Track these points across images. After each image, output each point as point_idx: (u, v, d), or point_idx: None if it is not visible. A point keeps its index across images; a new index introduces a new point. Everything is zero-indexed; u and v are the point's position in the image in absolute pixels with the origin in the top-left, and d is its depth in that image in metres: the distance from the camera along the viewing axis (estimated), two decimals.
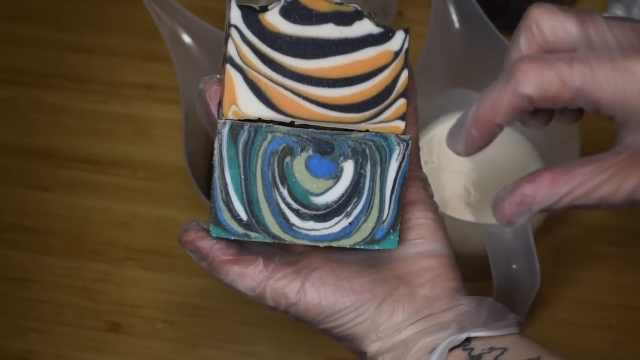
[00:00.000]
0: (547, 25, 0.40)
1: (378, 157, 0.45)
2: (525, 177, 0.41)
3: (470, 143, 0.41)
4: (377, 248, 0.46)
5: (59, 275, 0.79)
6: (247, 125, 0.43)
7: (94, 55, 0.90)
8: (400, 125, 0.45)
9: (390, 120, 0.45)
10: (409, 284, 0.46)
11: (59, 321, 0.77)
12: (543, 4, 0.40)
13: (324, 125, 0.44)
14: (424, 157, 0.77)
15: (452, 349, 0.44)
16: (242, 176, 0.44)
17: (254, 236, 0.45)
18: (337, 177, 0.45)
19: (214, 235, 0.44)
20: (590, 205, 0.40)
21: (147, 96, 0.88)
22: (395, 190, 0.45)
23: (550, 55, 0.39)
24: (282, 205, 0.44)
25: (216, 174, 0.44)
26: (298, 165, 0.44)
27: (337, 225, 0.45)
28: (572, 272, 0.78)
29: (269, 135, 0.43)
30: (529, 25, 0.40)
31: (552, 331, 0.76)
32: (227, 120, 0.43)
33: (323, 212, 0.45)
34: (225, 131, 0.43)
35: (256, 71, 0.43)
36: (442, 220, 0.49)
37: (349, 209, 0.45)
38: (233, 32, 0.43)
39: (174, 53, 0.72)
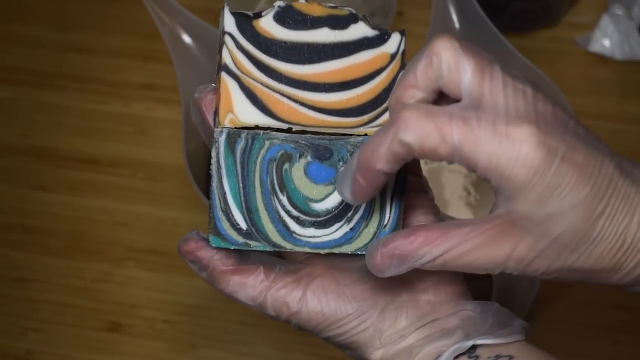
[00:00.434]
0: (446, 63, 0.39)
1: None
2: (402, 232, 0.40)
3: (357, 190, 0.40)
4: None
5: (59, 275, 0.79)
6: (244, 133, 0.43)
7: (95, 55, 0.91)
8: None
9: None
10: (412, 289, 0.45)
11: (60, 321, 0.77)
12: (451, 38, 0.39)
13: (322, 131, 0.44)
14: None
15: (457, 357, 0.44)
16: (241, 184, 0.43)
17: (254, 245, 0.44)
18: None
19: (214, 245, 0.44)
20: (463, 268, 0.40)
21: (147, 96, 0.88)
22: (395, 194, 0.45)
23: (435, 108, 0.38)
24: (282, 213, 0.44)
25: (214, 183, 0.43)
26: (297, 172, 0.44)
27: (338, 231, 0.45)
28: None
29: (267, 143, 0.43)
30: (430, 54, 0.39)
31: (552, 331, 0.76)
32: (224, 129, 0.43)
33: (323, 218, 0.44)
34: (222, 140, 0.43)
35: (252, 78, 0.43)
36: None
37: (349, 214, 0.44)
38: (227, 39, 0.43)
39: (174, 53, 0.72)
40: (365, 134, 0.44)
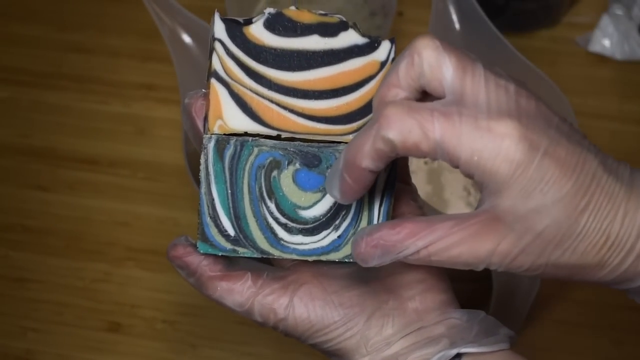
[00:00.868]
0: (427, 61, 0.39)
1: None
2: (388, 223, 0.40)
3: (345, 189, 0.40)
4: None
5: (59, 275, 0.79)
6: (233, 140, 0.43)
7: (94, 55, 0.91)
8: None
9: None
10: (399, 297, 0.46)
11: (60, 321, 0.77)
12: (432, 37, 0.39)
13: (311, 138, 0.44)
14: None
15: None
16: (229, 191, 0.43)
17: (242, 251, 0.44)
18: (325, 190, 0.44)
19: (202, 251, 0.44)
20: (447, 262, 0.40)
21: (147, 96, 0.88)
22: (383, 202, 0.45)
23: (417, 104, 0.39)
24: (270, 220, 0.44)
25: (203, 190, 0.43)
26: (285, 179, 0.44)
27: (325, 238, 0.45)
28: None
29: (256, 149, 0.43)
30: (412, 54, 0.39)
31: (552, 331, 0.76)
32: (212, 135, 0.43)
33: (311, 225, 0.44)
34: (211, 146, 0.43)
35: (241, 85, 0.43)
36: None
37: (337, 222, 0.45)
38: (217, 46, 0.43)
39: (174, 53, 0.72)
40: None
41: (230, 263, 0.46)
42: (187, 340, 0.76)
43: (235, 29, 0.43)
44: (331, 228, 0.45)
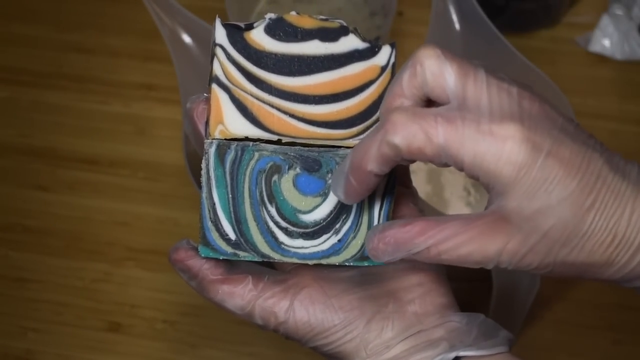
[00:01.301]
0: (429, 69, 0.40)
1: None
2: (400, 221, 0.41)
3: (350, 190, 0.41)
4: (366, 265, 0.45)
5: (59, 275, 0.79)
6: (234, 145, 0.43)
7: (94, 55, 0.91)
8: None
9: None
10: (399, 301, 0.46)
11: (60, 321, 0.77)
12: (434, 47, 0.40)
13: (312, 143, 0.44)
14: None
15: None
16: (230, 195, 0.43)
17: (243, 255, 0.44)
18: (325, 194, 0.44)
19: (203, 255, 0.44)
20: (457, 261, 0.40)
21: (147, 96, 0.88)
22: (383, 206, 0.45)
23: (422, 110, 0.39)
24: (271, 224, 0.44)
25: (204, 194, 0.43)
26: (286, 184, 0.44)
27: (326, 242, 0.45)
28: None
29: (256, 154, 0.43)
30: (414, 64, 0.40)
31: (552, 331, 0.76)
32: (214, 140, 0.43)
33: (312, 229, 0.45)
34: (212, 151, 0.43)
35: (242, 90, 0.43)
36: None
37: (337, 225, 0.45)
38: (218, 51, 0.43)
39: (174, 53, 0.72)
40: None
41: (232, 266, 0.46)
42: (187, 340, 0.76)
43: (236, 34, 0.43)
44: (331, 232, 0.45)
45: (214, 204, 0.43)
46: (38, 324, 0.77)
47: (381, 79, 0.44)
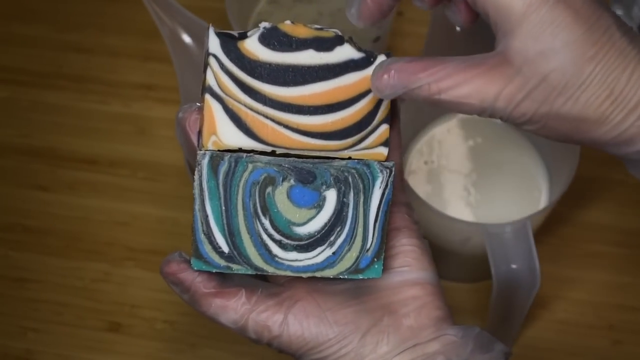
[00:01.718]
0: None
1: (361, 185, 0.44)
2: (406, 57, 0.42)
3: (364, 9, 0.42)
4: (361, 277, 0.45)
5: (59, 275, 0.79)
6: (227, 156, 0.42)
7: (94, 55, 0.90)
8: (384, 151, 0.45)
9: (373, 147, 0.44)
10: (394, 314, 0.45)
11: (59, 321, 0.77)
12: None
13: (306, 154, 0.44)
14: (423, 157, 0.77)
15: None
16: (223, 207, 0.43)
17: (236, 268, 0.44)
18: (319, 206, 0.44)
19: (195, 268, 0.44)
20: (455, 103, 0.41)
21: (147, 96, 0.88)
22: (379, 218, 0.45)
23: None
24: (264, 237, 0.44)
25: (197, 206, 0.43)
26: (280, 196, 0.43)
27: (320, 255, 0.45)
28: (572, 272, 0.78)
29: (250, 166, 0.43)
30: None
31: (552, 331, 0.76)
32: (206, 151, 0.42)
33: (306, 242, 0.44)
34: (205, 162, 0.42)
35: (236, 100, 0.43)
36: (427, 246, 0.48)
37: (332, 238, 0.44)
38: (212, 61, 0.43)
39: (174, 53, 0.72)
40: (349, 157, 0.44)
41: (225, 279, 0.45)
42: (187, 340, 0.76)
43: (230, 44, 0.43)
44: (326, 244, 0.44)
45: (207, 216, 0.43)
46: (38, 324, 0.77)
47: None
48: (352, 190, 0.44)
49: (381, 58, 0.44)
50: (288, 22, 0.43)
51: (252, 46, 0.43)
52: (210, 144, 0.42)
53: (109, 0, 0.94)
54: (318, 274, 0.45)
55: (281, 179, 0.43)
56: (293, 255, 0.44)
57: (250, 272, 0.44)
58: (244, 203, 0.43)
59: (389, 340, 0.45)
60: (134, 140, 0.85)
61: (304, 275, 0.45)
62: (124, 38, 0.91)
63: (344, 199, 0.44)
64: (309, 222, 0.44)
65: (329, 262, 0.45)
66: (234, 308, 0.45)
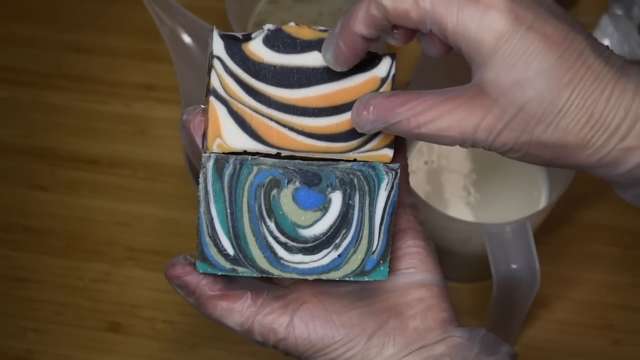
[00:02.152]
0: None
1: (366, 187, 0.44)
2: (384, 92, 0.42)
3: (339, 54, 0.41)
4: (367, 279, 0.45)
5: (59, 275, 0.79)
6: (232, 159, 0.42)
7: (94, 55, 0.91)
8: (389, 153, 0.44)
9: (378, 149, 0.44)
10: (400, 316, 0.45)
11: (59, 321, 0.77)
12: None
13: (311, 156, 0.43)
14: (423, 157, 0.77)
15: None
16: (228, 210, 0.43)
17: (242, 271, 0.44)
18: (325, 208, 0.44)
19: (201, 271, 0.44)
20: (436, 136, 0.41)
21: (147, 96, 0.88)
22: (384, 220, 0.44)
23: None
24: (270, 239, 0.44)
25: (202, 209, 0.43)
26: (285, 198, 0.43)
27: (325, 257, 0.44)
28: (572, 272, 0.78)
29: (255, 168, 0.43)
30: None
31: (552, 331, 0.76)
32: (211, 154, 0.42)
33: (311, 244, 0.44)
34: (210, 165, 0.42)
35: (240, 102, 0.42)
36: (433, 248, 0.48)
37: (337, 240, 0.44)
38: (216, 63, 0.42)
39: (174, 53, 0.71)
40: (355, 159, 0.44)
41: (230, 282, 0.45)
42: (187, 340, 0.76)
43: (234, 46, 0.43)
44: (331, 247, 0.44)
45: (212, 218, 0.43)
46: (38, 324, 0.77)
47: (381, 90, 0.44)
48: (357, 193, 0.44)
49: (386, 59, 0.44)
50: (292, 23, 0.43)
51: (257, 48, 0.43)
52: (215, 146, 0.42)
53: (109, 0, 0.94)
54: (323, 277, 0.45)
55: (286, 182, 0.43)
56: (298, 257, 0.44)
57: (255, 274, 0.44)
58: (249, 205, 0.43)
59: (395, 343, 0.45)
60: (134, 140, 0.85)
61: (310, 278, 0.45)
62: (124, 38, 0.91)
63: (350, 201, 0.44)
64: (315, 225, 0.44)
65: (335, 265, 0.45)
66: (240, 311, 0.45)
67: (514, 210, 0.73)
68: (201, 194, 0.43)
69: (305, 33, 0.43)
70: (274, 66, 0.43)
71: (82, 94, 0.88)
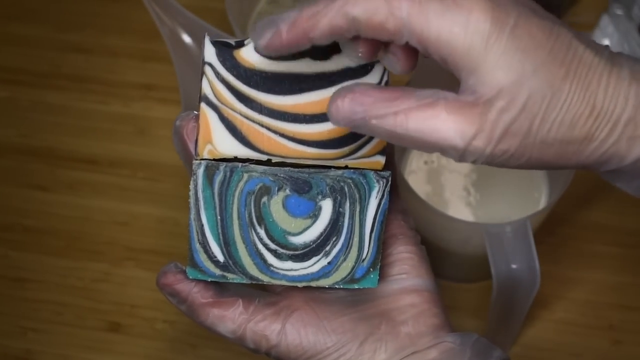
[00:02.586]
0: None
1: (357, 195, 0.44)
2: (369, 84, 0.39)
3: (274, 42, 0.38)
4: (357, 287, 0.45)
5: (59, 275, 0.79)
6: (222, 166, 0.42)
7: (94, 55, 0.90)
8: (381, 160, 0.44)
9: (370, 155, 0.44)
10: (392, 322, 0.45)
11: (59, 321, 0.77)
12: None
13: (302, 162, 0.43)
14: (423, 157, 0.77)
15: None
16: (219, 217, 0.43)
17: (231, 277, 0.44)
18: (315, 216, 0.44)
19: (191, 277, 0.44)
20: (427, 139, 0.38)
21: (147, 96, 0.88)
22: (375, 228, 0.44)
23: None
24: (260, 246, 0.44)
25: (192, 215, 0.43)
26: (275, 205, 0.43)
27: (315, 265, 0.44)
28: (572, 272, 0.78)
29: (245, 175, 0.43)
30: None
31: (552, 331, 0.76)
32: (202, 161, 0.42)
33: (301, 252, 0.44)
34: (200, 172, 0.42)
35: (231, 109, 0.42)
36: (424, 253, 0.48)
37: (327, 248, 0.44)
38: (207, 69, 0.42)
39: (174, 53, 0.71)
40: (346, 166, 0.44)
41: (222, 289, 0.45)
42: (187, 340, 0.76)
43: (226, 53, 0.42)
44: (321, 254, 0.44)
45: (202, 225, 0.43)
46: (38, 324, 0.77)
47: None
48: (348, 200, 0.44)
49: (378, 66, 0.44)
50: None
51: (248, 54, 0.42)
52: (205, 152, 0.42)
53: (109, 0, 0.94)
54: (313, 284, 0.45)
55: (277, 189, 0.43)
56: (288, 264, 0.44)
57: (245, 281, 0.44)
58: (239, 212, 0.43)
59: (387, 348, 0.45)
60: (134, 140, 0.85)
61: (299, 285, 0.45)
62: (124, 38, 0.91)
63: (340, 209, 0.44)
64: (305, 232, 0.44)
65: (325, 272, 0.45)
66: (232, 318, 0.45)
67: (514, 210, 0.73)
68: (192, 200, 0.43)
69: None
70: (266, 72, 0.42)
71: (81, 94, 0.88)
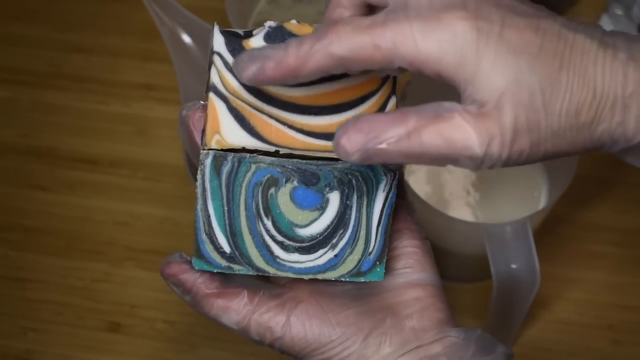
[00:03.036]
0: None
1: (365, 188, 0.44)
2: (368, 115, 0.38)
3: (259, 77, 0.38)
4: (363, 280, 0.45)
5: (59, 275, 0.79)
6: (230, 156, 0.42)
7: (94, 55, 0.91)
8: None
9: None
10: (396, 316, 0.45)
11: (59, 321, 0.77)
12: None
13: (310, 154, 0.43)
14: None
15: None
16: (226, 208, 0.43)
17: (237, 269, 0.44)
18: (322, 208, 0.44)
19: (196, 268, 0.44)
20: (437, 153, 0.38)
21: (147, 96, 0.88)
22: (382, 221, 0.44)
23: (364, 19, 0.38)
24: (266, 237, 0.44)
25: (199, 206, 0.43)
26: (283, 197, 0.43)
27: (322, 257, 0.44)
28: (572, 272, 0.78)
29: (253, 166, 0.42)
30: None
31: (552, 331, 0.76)
32: (210, 151, 0.42)
33: (308, 244, 0.44)
34: (208, 162, 0.42)
35: (240, 99, 0.42)
36: (429, 248, 0.48)
37: (334, 240, 0.44)
38: (216, 59, 0.42)
39: (174, 53, 0.72)
40: None
41: (227, 280, 0.45)
42: (187, 340, 0.76)
43: (235, 42, 0.42)
44: (328, 247, 0.44)
45: (209, 216, 0.43)
46: (38, 324, 0.77)
47: (382, 90, 0.43)
48: (355, 193, 0.44)
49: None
50: (294, 21, 0.43)
51: (257, 45, 0.42)
52: (213, 142, 0.42)
53: (109, 0, 0.94)
54: (319, 276, 0.45)
55: (284, 180, 0.43)
56: (295, 256, 0.44)
57: (251, 272, 0.44)
58: (247, 204, 0.43)
59: (391, 342, 0.45)
60: (134, 140, 0.85)
61: (305, 277, 0.45)
62: (124, 38, 0.91)
63: (347, 202, 0.44)
64: (312, 224, 0.44)
65: (331, 265, 0.45)
66: (236, 309, 0.44)
67: (514, 210, 0.73)
68: (199, 190, 0.42)
69: (307, 31, 0.43)
70: None
71: (81, 94, 0.88)
